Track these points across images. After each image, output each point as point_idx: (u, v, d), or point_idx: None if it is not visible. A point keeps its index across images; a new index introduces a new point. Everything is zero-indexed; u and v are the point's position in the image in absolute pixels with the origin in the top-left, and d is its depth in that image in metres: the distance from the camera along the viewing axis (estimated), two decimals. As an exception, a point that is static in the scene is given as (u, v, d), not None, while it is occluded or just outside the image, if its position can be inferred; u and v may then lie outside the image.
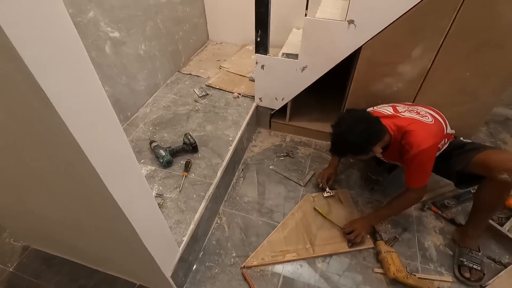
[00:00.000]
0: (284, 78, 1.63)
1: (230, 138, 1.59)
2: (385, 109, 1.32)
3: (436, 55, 1.29)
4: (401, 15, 1.22)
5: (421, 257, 1.28)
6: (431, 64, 1.33)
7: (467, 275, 1.19)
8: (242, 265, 1.25)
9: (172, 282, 1.08)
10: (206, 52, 2.38)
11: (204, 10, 2.32)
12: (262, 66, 1.64)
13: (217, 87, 1.95)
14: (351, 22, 1.30)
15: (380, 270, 1.24)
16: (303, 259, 1.28)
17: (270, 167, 1.68)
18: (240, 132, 1.64)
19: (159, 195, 1.30)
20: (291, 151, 1.79)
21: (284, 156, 1.76)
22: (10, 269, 1.27)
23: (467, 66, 1.29)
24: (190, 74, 2.10)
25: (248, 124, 1.73)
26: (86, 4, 1.28)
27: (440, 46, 1.26)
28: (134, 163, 0.72)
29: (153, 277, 1.09)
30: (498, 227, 1.31)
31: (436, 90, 1.40)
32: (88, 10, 1.30)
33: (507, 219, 1.36)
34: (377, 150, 1.17)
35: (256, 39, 1.55)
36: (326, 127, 1.50)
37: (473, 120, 1.48)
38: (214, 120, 1.72)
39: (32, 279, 1.23)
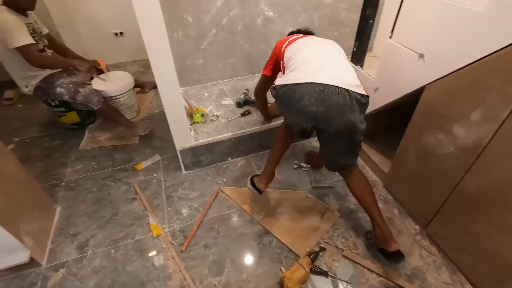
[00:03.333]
0: (360, 93, 1.67)
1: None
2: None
3: (497, 129, 0.99)
4: (467, 64, 1.03)
5: None
6: (490, 139, 1.02)
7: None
8: (219, 188, 1.70)
9: (180, 157, 1.72)
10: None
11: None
12: (350, 75, 1.75)
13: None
14: (421, 56, 1.22)
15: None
16: (251, 217, 1.54)
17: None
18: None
19: (216, 116, 1.91)
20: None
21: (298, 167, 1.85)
22: (154, 113, 2.36)
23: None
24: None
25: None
26: (256, -13, 1.95)
27: (504, 121, 0.96)
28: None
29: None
30: None
31: (489, 177, 1.06)
32: (255, -8, 1.97)
33: None
34: None
35: (353, 49, 1.68)
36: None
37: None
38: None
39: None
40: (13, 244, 1.23)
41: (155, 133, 2.16)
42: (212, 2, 1.91)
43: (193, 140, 1.72)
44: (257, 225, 1.51)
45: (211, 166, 1.86)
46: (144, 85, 2.56)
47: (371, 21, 1.52)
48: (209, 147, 1.78)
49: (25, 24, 1.74)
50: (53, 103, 2.00)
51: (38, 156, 1.98)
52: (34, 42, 1.74)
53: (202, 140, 1.74)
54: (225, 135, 1.77)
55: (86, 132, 2.19)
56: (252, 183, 1.48)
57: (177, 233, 1.49)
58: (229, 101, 2.07)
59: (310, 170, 1.80)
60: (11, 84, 2.08)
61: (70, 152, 2.02)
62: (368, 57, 1.70)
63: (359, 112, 1.14)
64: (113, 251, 1.42)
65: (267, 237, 1.45)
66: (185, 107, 1.82)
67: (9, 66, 1.81)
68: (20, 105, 2.53)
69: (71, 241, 1.47)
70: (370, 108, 1.61)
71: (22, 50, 1.68)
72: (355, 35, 1.64)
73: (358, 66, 1.68)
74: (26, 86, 1.89)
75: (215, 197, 1.66)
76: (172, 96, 1.49)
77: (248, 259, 1.37)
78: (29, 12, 1.83)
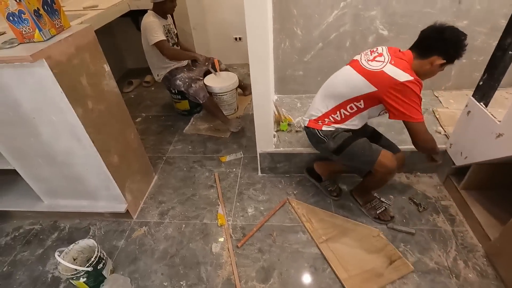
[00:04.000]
0: (477, 134, 1.38)
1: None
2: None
3: None
4: None
5: None
6: None
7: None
8: (287, 198, 1.71)
9: (258, 159, 1.81)
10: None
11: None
12: (468, 112, 1.46)
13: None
14: None
15: None
16: (311, 237, 1.49)
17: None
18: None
19: (302, 128, 1.91)
20: (427, 207, 1.58)
21: (414, 203, 1.61)
22: (249, 113, 2.55)
23: None
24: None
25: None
26: (374, 5, 1.85)
27: None
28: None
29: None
30: None
31: None
32: (373, 9, 1.87)
33: None
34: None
35: (479, 82, 1.40)
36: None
37: None
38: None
39: (247, 121, 2.44)
40: (118, 195, 1.56)
41: (245, 132, 2.33)
42: (325, 17, 1.92)
43: (274, 146, 1.78)
44: (315, 247, 1.45)
45: (285, 175, 1.88)
46: (246, 88, 2.79)
47: (511, 52, 1.23)
48: (287, 156, 1.80)
49: (163, 25, 2.19)
50: (173, 91, 2.42)
51: (153, 131, 2.44)
52: (166, 39, 2.15)
53: (283, 148, 1.78)
54: (306, 149, 1.76)
55: (192, 119, 2.55)
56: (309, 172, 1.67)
57: (238, 229, 1.58)
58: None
59: (390, 208, 1.60)
60: (150, 71, 2.61)
61: (176, 133, 2.39)
62: (498, 94, 1.39)
63: (315, 142, 1.49)
64: (183, 225, 1.62)
65: (321, 263, 1.38)
66: (274, 114, 1.90)
67: (149, 58, 2.29)
68: (153, 88, 3.15)
69: (157, 207, 1.75)
70: (485, 156, 1.33)
71: (158, 45, 2.11)
72: (487, 66, 1.37)
73: (481, 103, 1.39)
74: (157, 75, 2.35)
75: (282, 206, 1.68)
76: (263, 101, 1.58)
77: (296, 278, 1.34)
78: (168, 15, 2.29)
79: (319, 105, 1.45)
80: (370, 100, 1.28)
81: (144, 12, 2.39)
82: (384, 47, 1.33)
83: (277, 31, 1.99)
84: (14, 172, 1.50)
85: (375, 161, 1.33)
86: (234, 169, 1.98)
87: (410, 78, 1.17)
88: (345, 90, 1.33)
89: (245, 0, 1.25)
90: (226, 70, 2.55)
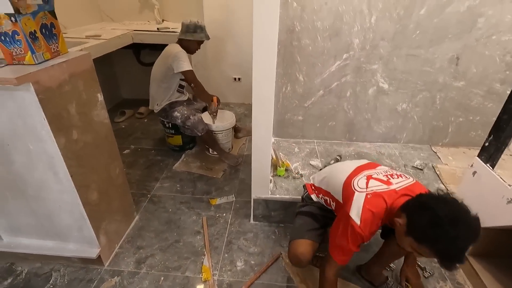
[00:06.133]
0: (486, 199, 1.32)
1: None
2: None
3: None
4: None
5: None
6: None
7: None
8: (281, 253, 1.54)
9: (252, 205, 1.67)
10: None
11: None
12: (474, 173, 1.41)
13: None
14: None
15: None
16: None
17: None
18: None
19: (300, 174, 1.82)
20: (433, 272, 1.44)
21: (419, 266, 1.48)
22: (243, 154, 2.46)
23: None
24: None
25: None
26: (375, 60, 1.89)
27: None
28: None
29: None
30: None
31: None
32: (374, 63, 1.91)
33: None
34: None
35: (484, 143, 1.37)
36: None
37: None
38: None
39: (241, 162, 2.34)
40: (91, 238, 1.37)
41: (239, 173, 2.22)
42: (327, 67, 1.95)
43: (269, 193, 1.66)
44: (311, 315, 1.27)
45: (280, 224, 1.74)
46: (239, 130, 2.73)
47: (517, 116, 1.22)
48: (284, 205, 1.68)
49: None
50: (167, 125, 2.32)
51: (141, 166, 2.29)
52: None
53: (279, 196, 1.66)
54: (304, 198, 1.65)
55: (183, 155, 2.43)
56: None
57: (224, 286, 1.38)
58: (317, 162, 1.97)
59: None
60: (145, 102, 2.54)
61: (165, 169, 2.25)
62: (506, 155, 1.36)
63: None
64: (162, 278, 1.42)
65: (319, 336, 1.19)
66: (272, 157, 1.81)
67: (155, 88, 2.22)
68: (146, 120, 3.06)
69: (134, 253, 1.55)
70: (496, 222, 1.25)
71: (187, 73, 2.07)
72: (487, 127, 1.36)
73: (488, 165, 1.35)
74: (157, 105, 2.27)
75: (274, 261, 1.51)
76: (262, 144, 1.50)
77: None
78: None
79: (321, 181, 1.33)
80: (338, 207, 1.19)
81: (146, 45, 2.38)
82: (412, 181, 1.11)
83: (279, 75, 1.99)
84: (-27, 203, 1.31)
85: (289, 243, 1.30)
86: (224, 214, 1.82)
87: (357, 222, 0.99)
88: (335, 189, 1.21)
89: (254, 43, 1.22)
90: (220, 109, 2.50)
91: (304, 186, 1.46)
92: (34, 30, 1.03)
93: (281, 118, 2.18)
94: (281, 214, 1.71)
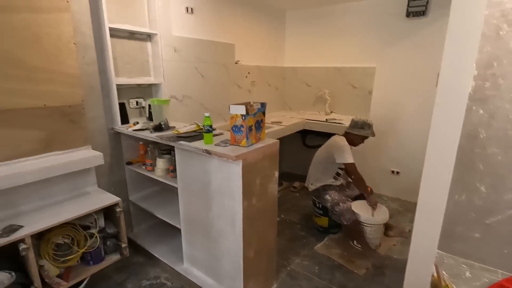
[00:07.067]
0: None
1: None
2: None
3: None
4: None
5: None
6: None
7: None
8: None
9: None
10: None
11: None
12: None
13: None
14: None
15: None
16: None
17: None
18: None
19: None
20: None
21: None
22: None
23: None
24: None
25: None
26: None
27: None
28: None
29: None
30: None
31: None
32: None
33: None
34: None
35: None
36: None
37: None
38: None
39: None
40: (239, 290, 1.59)
41: (384, 278, 1.98)
42: (525, 181, 1.59)
43: (424, 317, 1.39)
44: None
45: None
46: (391, 228, 2.49)
47: None
48: None
49: None
50: (317, 205, 2.48)
51: (285, 236, 2.48)
52: None
53: (437, 326, 1.36)
54: None
55: (326, 238, 2.45)
56: None
57: None
58: (501, 302, 1.49)
59: None
60: (301, 178, 2.84)
61: (307, 247, 2.33)
62: None
63: None
64: None
65: None
66: (432, 275, 1.54)
67: (315, 169, 2.50)
68: (297, 194, 3.36)
69: (266, 320, 1.63)
70: None
71: (350, 165, 2.26)
72: None
73: None
74: (311, 184, 2.51)
75: None
76: (422, 258, 1.35)
77: None
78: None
79: None
80: None
81: (312, 131, 2.74)
82: None
83: (453, 181, 1.79)
84: (178, 230, 1.85)
85: None
86: (360, 320, 1.65)
87: None
88: None
89: (429, 146, 1.22)
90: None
91: None
92: (251, 125, 1.50)
93: (449, 229, 1.86)
94: None
